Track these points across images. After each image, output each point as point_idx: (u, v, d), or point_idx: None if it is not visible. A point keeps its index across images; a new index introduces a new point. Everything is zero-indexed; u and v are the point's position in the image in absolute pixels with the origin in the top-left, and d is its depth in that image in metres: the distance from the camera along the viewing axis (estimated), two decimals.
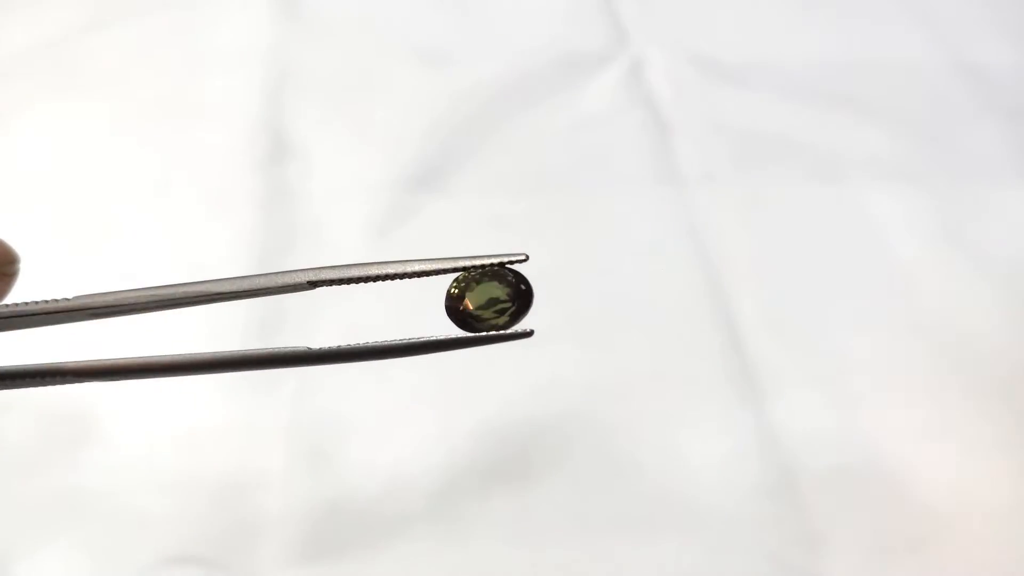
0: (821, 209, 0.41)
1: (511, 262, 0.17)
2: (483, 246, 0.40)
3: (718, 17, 0.49)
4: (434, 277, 0.17)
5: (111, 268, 0.38)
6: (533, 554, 0.31)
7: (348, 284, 0.17)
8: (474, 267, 0.17)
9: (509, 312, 0.17)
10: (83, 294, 0.17)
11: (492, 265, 0.17)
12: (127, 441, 0.33)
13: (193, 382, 0.21)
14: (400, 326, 0.19)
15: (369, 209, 0.40)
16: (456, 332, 0.17)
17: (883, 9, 0.49)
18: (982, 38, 0.48)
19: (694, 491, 0.33)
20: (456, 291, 0.17)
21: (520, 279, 0.17)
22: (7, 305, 0.17)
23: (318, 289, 0.17)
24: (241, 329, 0.35)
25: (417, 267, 0.17)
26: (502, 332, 0.17)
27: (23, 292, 0.19)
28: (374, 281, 0.17)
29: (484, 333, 0.17)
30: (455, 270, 0.17)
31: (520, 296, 0.17)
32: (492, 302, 0.17)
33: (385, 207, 0.40)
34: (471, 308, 0.17)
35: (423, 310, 0.19)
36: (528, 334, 0.17)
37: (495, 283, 0.17)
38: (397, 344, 0.17)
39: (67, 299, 0.17)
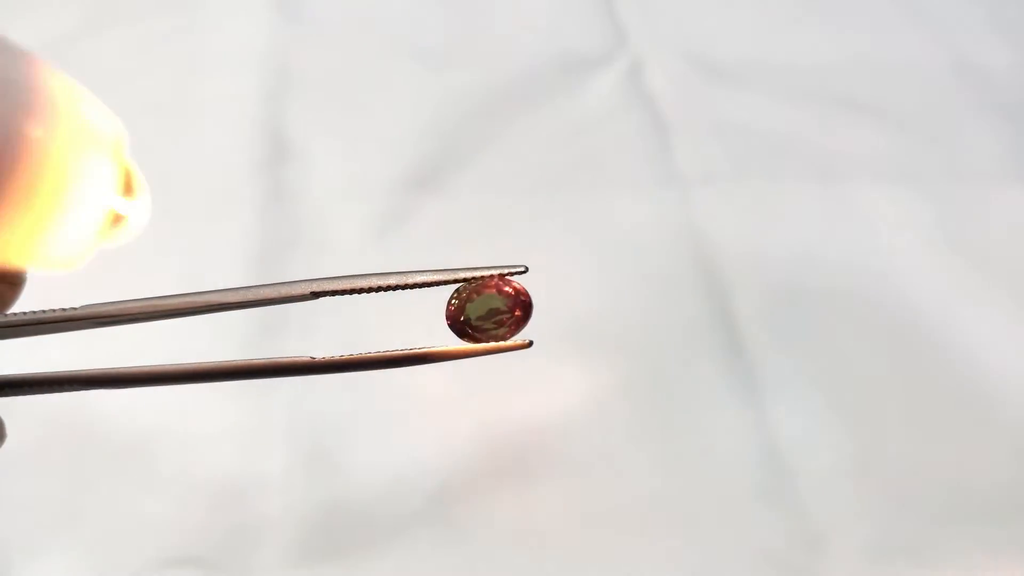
0: (821, 209, 0.41)
1: (511, 273, 0.17)
2: (483, 246, 0.40)
3: (718, 18, 0.49)
4: (435, 288, 0.17)
5: (111, 267, 0.38)
6: (533, 554, 0.31)
7: (349, 295, 0.17)
8: (474, 278, 0.17)
9: (509, 324, 0.17)
10: (89, 303, 0.18)
11: (493, 276, 0.17)
12: (127, 442, 0.33)
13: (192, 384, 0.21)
14: (400, 336, 0.19)
15: (369, 209, 0.40)
16: (457, 343, 0.17)
17: (883, 9, 0.49)
18: (981, 38, 0.48)
19: (694, 491, 0.33)
20: (456, 302, 0.17)
21: (520, 290, 0.17)
22: (14, 314, 0.17)
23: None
24: (243, 336, 0.35)
25: (418, 278, 0.17)
26: (502, 344, 0.17)
27: (28, 302, 0.19)
28: (375, 292, 0.17)
29: (484, 345, 0.17)
30: (456, 281, 0.17)
31: (520, 307, 0.17)
32: (492, 313, 0.17)
33: (385, 207, 0.40)
34: (471, 319, 0.17)
35: (423, 320, 0.19)
36: (527, 345, 0.17)
37: (495, 294, 0.17)
38: (398, 355, 0.17)
39: (74, 308, 0.17)
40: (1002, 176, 0.42)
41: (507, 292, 0.17)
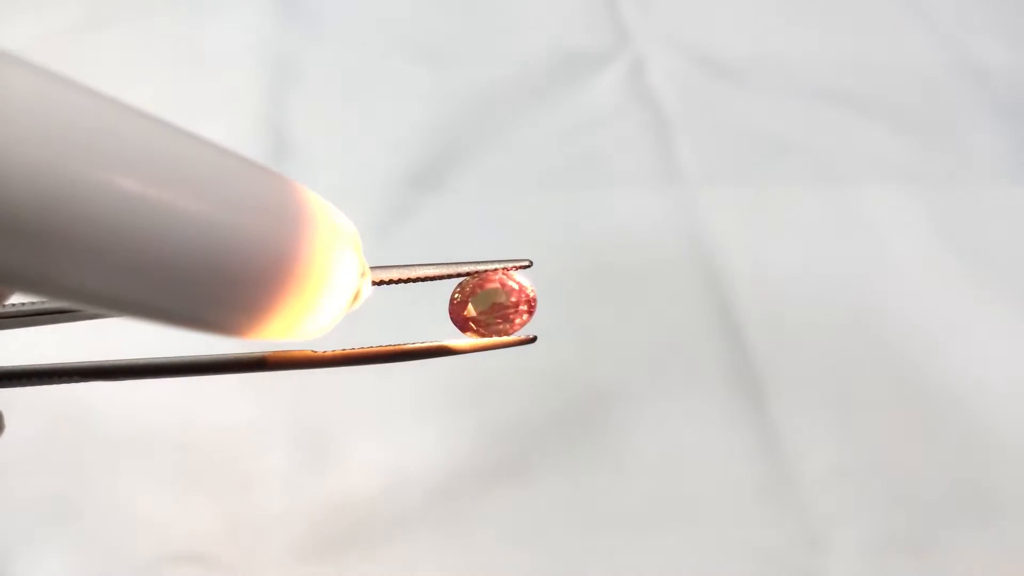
0: (821, 209, 0.41)
1: (515, 268, 0.17)
2: (483, 246, 0.40)
3: (719, 17, 0.49)
4: (438, 282, 0.17)
5: None
6: (533, 554, 0.31)
7: None
8: (478, 272, 0.17)
9: (513, 318, 0.17)
10: None
11: (496, 270, 0.17)
12: (127, 441, 0.33)
13: (193, 380, 0.21)
14: (403, 330, 0.19)
15: (369, 208, 0.40)
16: (460, 338, 0.17)
17: (883, 9, 0.49)
18: (982, 38, 0.48)
19: (694, 491, 0.33)
20: (459, 297, 0.17)
21: (524, 285, 0.17)
22: (11, 305, 0.17)
23: None
24: None
25: (420, 272, 0.17)
26: (505, 339, 0.17)
27: None
28: (377, 285, 0.17)
29: (487, 340, 0.17)
30: (458, 275, 0.17)
31: (524, 302, 0.17)
32: (496, 308, 0.17)
33: (385, 206, 0.40)
34: (475, 314, 0.17)
35: (426, 314, 0.19)
36: (531, 340, 0.17)
37: (499, 288, 0.17)
38: (400, 350, 0.17)
39: None
40: (1002, 176, 0.42)
41: (511, 287, 0.17)
